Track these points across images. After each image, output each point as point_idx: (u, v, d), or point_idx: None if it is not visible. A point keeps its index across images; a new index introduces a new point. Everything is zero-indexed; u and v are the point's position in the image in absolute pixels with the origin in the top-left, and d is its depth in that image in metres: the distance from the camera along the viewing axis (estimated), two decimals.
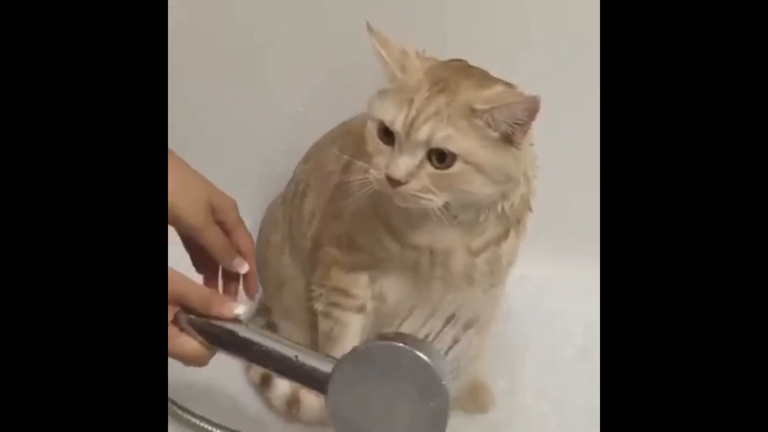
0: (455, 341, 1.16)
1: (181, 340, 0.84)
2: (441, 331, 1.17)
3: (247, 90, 1.32)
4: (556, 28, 1.24)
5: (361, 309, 1.08)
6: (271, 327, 1.22)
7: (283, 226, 1.14)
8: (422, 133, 0.83)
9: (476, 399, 1.19)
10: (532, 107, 0.82)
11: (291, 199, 1.13)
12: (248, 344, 0.83)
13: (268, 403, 1.17)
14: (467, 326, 1.13)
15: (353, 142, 1.03)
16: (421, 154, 0.84)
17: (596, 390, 0.73)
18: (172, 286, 0.81)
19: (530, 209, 0.97)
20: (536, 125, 0.85)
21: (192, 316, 0.84)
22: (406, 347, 0.78)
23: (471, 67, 0.90)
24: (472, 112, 0.83)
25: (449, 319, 1.13)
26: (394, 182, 0.84)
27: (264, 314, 1.24)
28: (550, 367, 1.24)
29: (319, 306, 1.10)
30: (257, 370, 1.19)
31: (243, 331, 0.84)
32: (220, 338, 0.84)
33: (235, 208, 0.97)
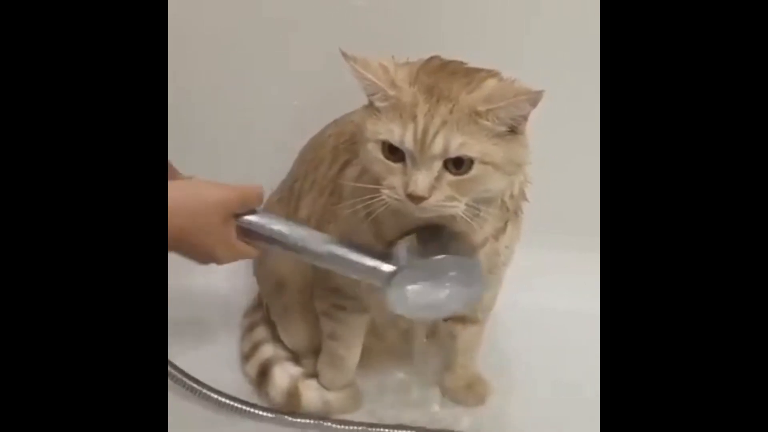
0: (453, 336, 1.16)
1: (241, 247, 0.93)
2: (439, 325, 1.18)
3: (243, 85, 1.32)
4: (556, 19, 1.24)
5: (363, 309, 1.08)
6: (268, 325, 1.23)
7: None
8: (437, 145, 0.82)
9: (474, 391, 1.20)
10: (534, 100, 0.82)
11: (287, 199, 1.13)
12: (307, 247, 0.94)
13: (266, 397, 1.17)
14: (464, 321, 1.14)
15: (348, 143, 1.03)
16: (438, 165, 0.83)
17: (596, 383, 0.73)
18: (213, 198, 0.89)
19: (526, 199, 0.97)
20: (537, 119, 0.86)
21: (248, 222, 0.93)
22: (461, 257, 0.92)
23: (448, 62, 0.89)
24: (477, 114, 0.83)
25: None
26: (416, 199, 0.84)
27: (261, 310, 1.25)
28: (548, 360, 1.24)
29: (320, 306, 1.10)
30: (254, 365, 1.19)
31: (303, 236, 0.94)
32: (282, 243, 0.94)
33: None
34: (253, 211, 0.93)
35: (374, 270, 0.92)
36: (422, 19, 1.26)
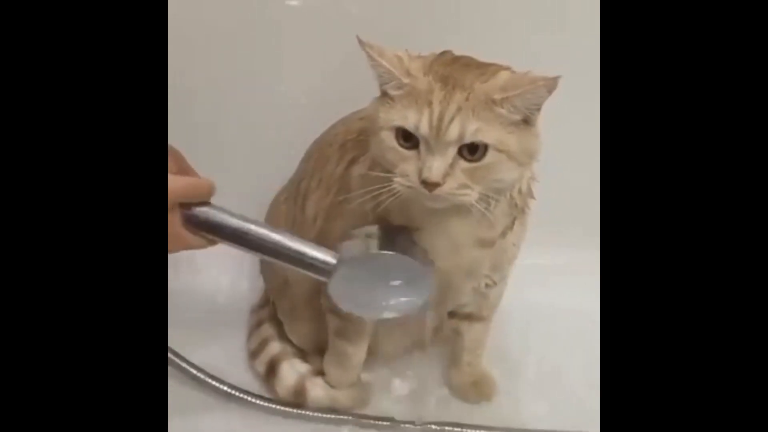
0: (458, 333, 1.17)
1: (187, 237, 0.92)
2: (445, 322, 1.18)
3: (249, 85, 1.32)
4: (556, 19, 1.25)
5: None
6: (275, 322, 1.23)
7: (285, 225, 1.13)
8: (452, 130, 0.83)
9: (479, 388, 1.20)
10: (551, 86, 0.83)
11: (293, 198, 1.13)
12: (252, 240, 0.93)
13: (274, 392, 1.17)
14: (470, 318, 1.15)
15: (355, 140, 1.03)
16: (452, 151, 0.84)
17: (596, 381, 0.74)
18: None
19: (533, 196, 0.97)
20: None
21: (197, 213, 0.92)
22: (406, 257, 0.92)
23: (460, 57, 0.89)
24: (493, 102, 0.83)
25: (453, 312, 1.14)
26: (430, 185, 0.84)
27: (267, 307, 1.26)
28: (549, 356, 1.24)
29: (326, 303, 1.10)
30: (262, 360, 1.20)
31: (249, 229, 0.92)
32: (229, 235, 0.93)
33: (180, 153, 0.98)
34: (204, 204, 0.92)
35: (316, 262, 0.92)
36: (425, 19, 1.26)
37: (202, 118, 1.30)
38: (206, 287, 1.30)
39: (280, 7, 1.27)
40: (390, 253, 0.91)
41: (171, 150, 0.93)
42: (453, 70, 0.86)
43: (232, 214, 0.93)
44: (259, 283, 1.27)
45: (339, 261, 0.91)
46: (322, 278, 0.93)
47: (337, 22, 1.24)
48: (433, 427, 1.15)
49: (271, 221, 1.17)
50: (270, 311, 1.24)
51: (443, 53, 0.89)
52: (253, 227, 0.93)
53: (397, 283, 0.93)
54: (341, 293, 0.94)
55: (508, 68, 0.88)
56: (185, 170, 0.98)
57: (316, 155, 1.12)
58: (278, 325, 1.23)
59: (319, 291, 1.12)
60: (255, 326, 1.25)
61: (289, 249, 0.92)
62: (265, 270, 1.22)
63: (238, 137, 1.35)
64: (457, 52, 0.90)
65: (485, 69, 0.87)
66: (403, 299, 0.94)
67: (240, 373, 1.21)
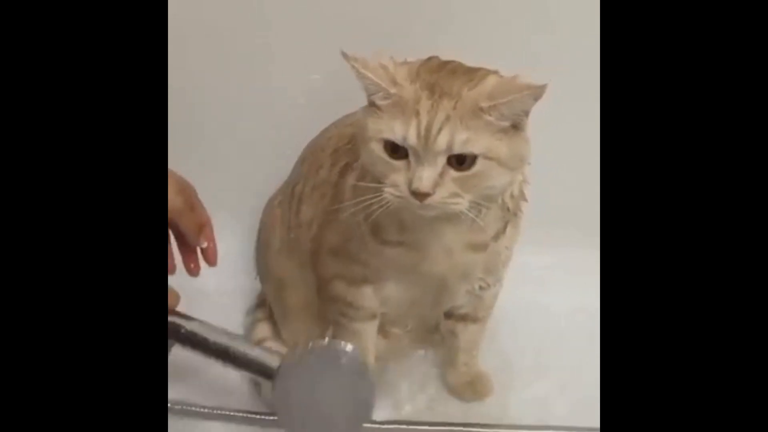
0: (454, 334, 1.17)
1: None
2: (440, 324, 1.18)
3: (247, 85, 1.32)
4: (555, 15, 1.25)
5: (371, 317, 1.08)
6: (269, 324, 1.23)
7: (280, 230, 1.13)
8: (441, 141, 0.82)
9: (475, 387, 1.20)
10: (538, 94, 0.82)
11: (288, 201, 1.13)
12: (194, 339, 0.89)
13: (265, 399, 1.16)
14: (465, 319, 1.14)
15: (346, 147, 1.02)
16: (442, 161, 0.83)
17: (596, 379, 0.74)
18: None
19: (525, 199, 0.97)
20: (536, 114, 0.86)
21: None
22: (343, 348, 0.88)
23: (447, 62, 0.89)
24: (481, 110, 0.83)
25: (448, 314, 1.14)
26: (420, 196, 0.83)
27: (263, 308, 1.25)
28: (548, 356, 1.24)
29: (329, 315, 1.09)
30: None
31: (188, 325, 0.89)
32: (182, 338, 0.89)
33: (192, 187, 0.97)
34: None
35: (259, 361, 0.88)
36: (425, 19, 1.26)
37: (200, 119, 1.30)
38: (202, 288, 1.29)
39: (279, 6, 1.27)
40: (324, 343, 0.87)
41: (182, 182, 0.92)
42: (440, 77, 0.85)
43: (188, 318, 0.90)
44: (256, 285, 1.26)
45: (282, 362, 0.87)
46: (262, 378, 0.90)
47: (337, 22, 1.25)
48: (432, 428, 1.15)
49: (265, 224, 1.17)
50: (265, 312, 1.24)
51: (430, 59, 0.89)
52: (196, 323, 0.90)
53: (335, 385, 0.88)
54: (282, 395, 0.88)
55: (495, 72, 0.88)
56: (194, 205, 0.96)
57: (310, 159, 1.11)
58: (273, 326, 1.22)
59: (315, 295, 1.11)
60: (249, 328, 1.24)
61: (228, 348, 0.89)
62: (262, 276, 1.22)
63: (236, 138, 1.35)
64: (456, 54, 0.90)
65: (473, 74, 0.87)
66: (345, 399, 0.89)
67: (234, 377, 1.19)
